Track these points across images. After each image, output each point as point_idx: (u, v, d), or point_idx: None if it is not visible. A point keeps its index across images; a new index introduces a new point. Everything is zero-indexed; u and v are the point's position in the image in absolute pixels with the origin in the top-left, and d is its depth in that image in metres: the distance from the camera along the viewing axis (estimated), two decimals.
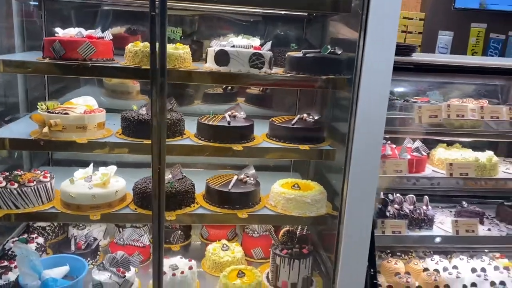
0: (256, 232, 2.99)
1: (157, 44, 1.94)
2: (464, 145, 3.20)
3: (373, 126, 2.13)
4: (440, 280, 2.77)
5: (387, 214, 2.75)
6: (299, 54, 2.41)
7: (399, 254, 3.19)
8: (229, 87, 3.46)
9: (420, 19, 5.05)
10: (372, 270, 2.41)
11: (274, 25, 3.18)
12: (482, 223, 2.92)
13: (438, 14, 4.98)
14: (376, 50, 2.03)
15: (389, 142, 3.04)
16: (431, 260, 3.05)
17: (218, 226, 3.09)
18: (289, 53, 2.48)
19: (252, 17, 3.14)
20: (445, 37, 5.10)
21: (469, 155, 2.84)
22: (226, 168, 3.27)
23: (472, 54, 5.08)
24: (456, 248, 2.99)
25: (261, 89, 3.46)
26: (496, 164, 2.80)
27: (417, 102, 2.73)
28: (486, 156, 2.82)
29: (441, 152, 2.94)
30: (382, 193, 2.99)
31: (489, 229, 2.83)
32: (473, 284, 2.70)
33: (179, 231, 3.04)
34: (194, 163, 3.33)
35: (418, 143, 2.93)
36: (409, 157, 2.77)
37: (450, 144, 3.15)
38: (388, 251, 3.19)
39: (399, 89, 3.48)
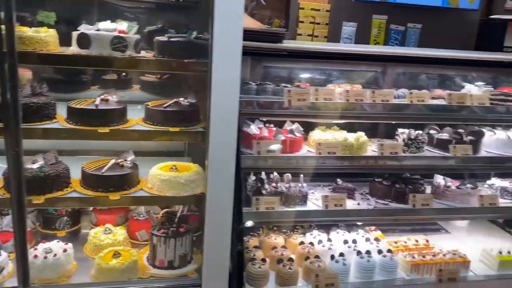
0: (141, 215, 3.06)
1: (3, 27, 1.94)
2: (344, 127, 3.42)
3: (227, 108, 2.25)
4: (313, 252, 2.98)
5: (263, 192, 2.91)
6: (165, 38, 2.49)
7: (285, 230, 3.38)
8: (123, 74, 3.48)
9: (327, 11, 5.26)
10: (239, 245, 2.55)
11: (161, 12, 3.24)
12: (353, 198, 3.16)
13: (342, 5, 5.21)
14: (224, 35, 2.14)
15: (271, 125, 3.22)
16: (311, 234, 3.27)
17: (105, 212, 3.12)
18: (156, 37, 2.55)
19: (137, 4, 3.18)
20: (348, 28, 5.37)
21: (340, 135, 3.06)
22: (116, 155, 3.29)
23: (375, 44, 5.38)
24: (328, 222, 3.22)
25: (157, 76, 3.50)
26: (364, 144, 3.03)
27: (288, 87, 2.90)
28: (355, 136, 3.05)
29: (316, 134, 3.13)
30: (264, 172, 3.17)
31: (358, 203, 3.07)
32: (341, 254, 2.92)
33: (65, 218, 3.04)
34: (86, 150, 3.32)
35: (294, 126, 3.11)
36: (283, 138, 2.93)
37: (330, 126, 3.36)
38: (275, 227, 3.38)
39: (304, 75, 3.68)
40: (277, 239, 3.14)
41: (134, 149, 3.13)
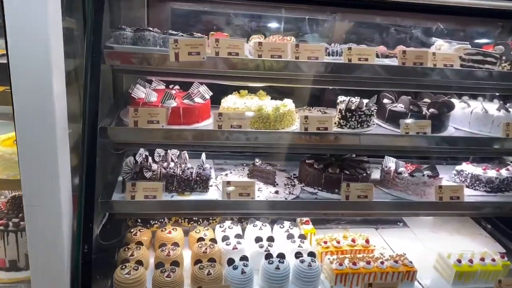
0: None
1: None
2: (276, 93, 2.69)
3: (33, 58, 1.54)
4: (212, 252, 2.33)
5: (147, 174, 2.24)
6: None
7: (199, 220, 2.73)
8: None
9: None
10: (86, 248, 1.90)
11: None
12: (273, 183, 2.46)
13: None
14: None
15: (175, 87, 2.53)
16: (220, 227, 2.61)
17: None
18: None
19: None
20: None
21: (255, 103, 2.32)
22: None
23: None
24: (231, 215, 2.56)
25: None
26: (285, 115, 2.30)
27: (178, 34, 2.15)
28: (274, 105, 2.31)
29: (228, 101, 2.41)
30: (161, 149, 2.48)
31: (276, 192, 2.37)
32: (243, 257, 2.26)
33: None
34: None
35: (200, 88, 2.38)
36: (174, 105, 2.22)
37: (255, 91, 2.61)
38: (195, 218, 2.73)
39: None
40: (173, 232, 2.49)
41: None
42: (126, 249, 2.29)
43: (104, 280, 2.17)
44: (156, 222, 2.66)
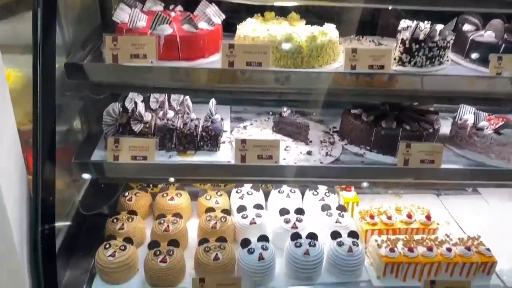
0: None
1: None
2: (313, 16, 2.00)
3: None
4: (223, 228, 1.82)
5: (135, 127, 1.69)
6: None
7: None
8: None
9: None
10: (46, 228, 1.42)
11: None
12: (305, 141, 1.85)
13: None
14: None
15: (177, 7, 1.89)
16: (237, 192, 2.07)
17: None
18: None
19: None
20: None
21: (283, 30, 1.66)
22: None
23: None
24: (244, 182, 1.99)
25: None
26: (324, 47, 1.64)
27: None
28: (310, 33, 1.64)
29: (246, 26, 1.75)
30: (155, 94, 1.91)
31: (309, 152, 1.77)
32: (262, 237, 1.73)
33: None
34: None
35: (208, 9, 1.74)
36: (169, 32, 1.60)
37: (286, 13, 1.93)
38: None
39: None
40: (177, 199, 1.97)
41: None
42: (115, 221, 1.81)
43: (85, 261, 1.72)
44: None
